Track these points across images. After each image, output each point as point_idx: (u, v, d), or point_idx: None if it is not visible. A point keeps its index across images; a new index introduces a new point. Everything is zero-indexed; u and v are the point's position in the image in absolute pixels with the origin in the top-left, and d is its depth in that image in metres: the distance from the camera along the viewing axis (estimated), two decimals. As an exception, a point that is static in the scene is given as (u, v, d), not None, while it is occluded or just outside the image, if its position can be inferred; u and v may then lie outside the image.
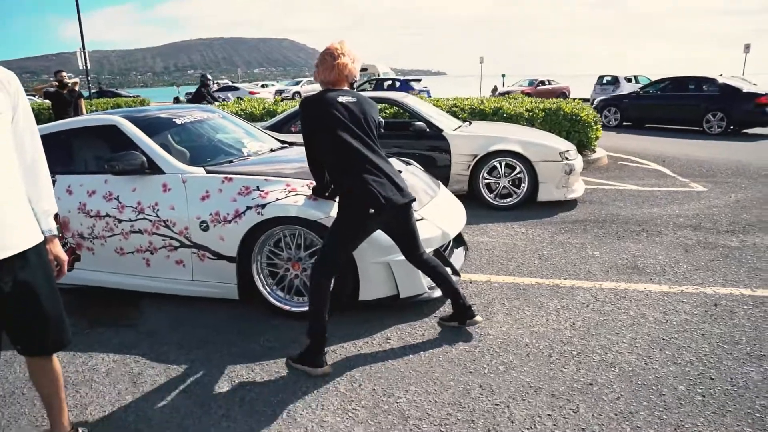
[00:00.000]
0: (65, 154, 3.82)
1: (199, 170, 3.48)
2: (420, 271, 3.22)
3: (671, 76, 13.33)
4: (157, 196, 3.42)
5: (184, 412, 2.45)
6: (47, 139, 3.72)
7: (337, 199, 3.11)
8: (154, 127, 3.78)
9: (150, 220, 3.42)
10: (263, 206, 3.19)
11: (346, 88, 2.80)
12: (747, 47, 24.92)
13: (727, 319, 3.17)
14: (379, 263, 3.19)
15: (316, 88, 2.98)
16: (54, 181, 3.66)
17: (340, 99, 2.68)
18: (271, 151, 4.20)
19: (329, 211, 3.11)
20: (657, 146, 10.22)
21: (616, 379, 2.60)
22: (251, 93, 28.52)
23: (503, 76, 35.68)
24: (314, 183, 3.14)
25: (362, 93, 3.37)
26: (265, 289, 3.37)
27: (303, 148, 2.86)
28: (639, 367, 2.69)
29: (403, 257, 3.10)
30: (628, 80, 21.25)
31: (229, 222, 3.27)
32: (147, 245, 3.47)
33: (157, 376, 2.76)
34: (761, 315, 3.22)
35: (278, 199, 3.20)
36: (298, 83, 35.70)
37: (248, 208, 3.23)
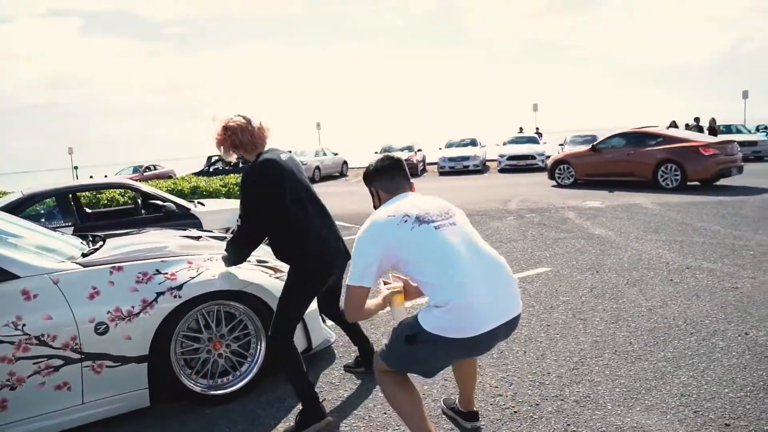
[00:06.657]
0: None
1: (70, 264, 2.85)
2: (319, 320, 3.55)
3: None
4: (18, 307, 2.63)
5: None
6: None
7: (246, 266, 3.15)
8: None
9: (12, 343, 2.58)
10: (179, 287, 2.93)
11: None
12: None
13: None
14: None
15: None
16: None
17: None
18: (97, 241, 3.59)
19: (249, 279, 3.14)
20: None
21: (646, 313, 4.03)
22: None
23: (75, 168, 31.96)
24: (213, 257, 3.13)
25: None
26: (189, 381, 3.01)
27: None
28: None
29: (314, 307, 3.38)
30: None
31: (137, 315, 2.83)
32: (5, 380, 2.58)
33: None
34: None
35: (193, 278, 3.00)
36: None
37: (159, 294, 2.89)
